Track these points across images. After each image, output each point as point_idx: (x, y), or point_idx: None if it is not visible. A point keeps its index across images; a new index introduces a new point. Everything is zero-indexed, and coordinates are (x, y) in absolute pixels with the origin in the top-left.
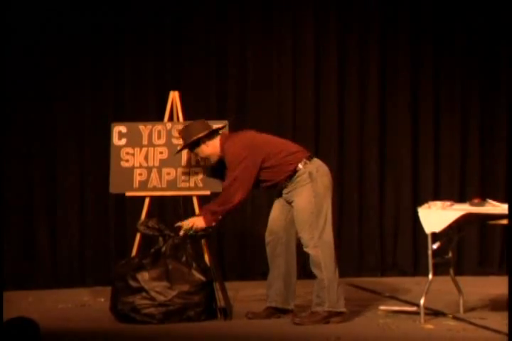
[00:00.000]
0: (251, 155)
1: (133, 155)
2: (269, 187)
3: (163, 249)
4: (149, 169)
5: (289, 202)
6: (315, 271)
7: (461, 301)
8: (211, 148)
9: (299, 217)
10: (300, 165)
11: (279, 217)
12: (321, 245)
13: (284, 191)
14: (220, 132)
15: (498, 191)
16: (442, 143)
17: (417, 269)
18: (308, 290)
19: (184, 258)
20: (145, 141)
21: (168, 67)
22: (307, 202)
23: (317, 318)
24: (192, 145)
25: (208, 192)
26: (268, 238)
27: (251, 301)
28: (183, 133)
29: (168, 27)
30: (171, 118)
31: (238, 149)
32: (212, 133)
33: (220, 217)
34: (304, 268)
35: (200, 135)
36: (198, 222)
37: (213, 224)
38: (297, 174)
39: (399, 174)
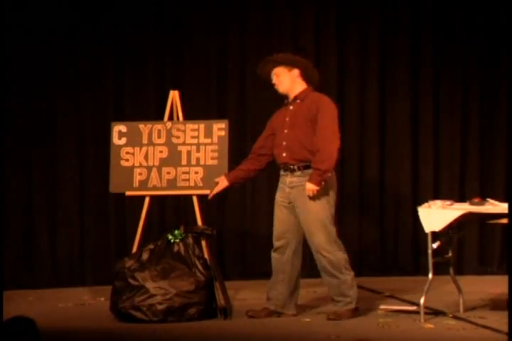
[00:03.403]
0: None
1: (133, 154)
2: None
3: (164, 247)
4: (149, 168)
5: (290, 201)
6: (337, 274)
7: (461, 300)
8: (289, 81)
9: (313, 222)
10: None
11: (285, 220)
12: (338, 249)
13: (291, 179)
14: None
15: (498, 190)
16: (442, 143)
17: (417, 268)
18: (308, 290)
19: (184, 258)
20: (145, 141)
21: (168, 66)
22: (321, 207)
23: (348, 315)
24: (284, 63)
25: (208, 192)
26: (277, 243)
27: (251, 300)
28: (284, 55)
29: (168, 27)
30: (170, 118)
31: (332, 103)
32: (306, 71)
33: (327, 175)
34: (303, 267)
35: (302, 65)
36: (308, 186)
37: (322, 184)
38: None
39: (399, 174)
